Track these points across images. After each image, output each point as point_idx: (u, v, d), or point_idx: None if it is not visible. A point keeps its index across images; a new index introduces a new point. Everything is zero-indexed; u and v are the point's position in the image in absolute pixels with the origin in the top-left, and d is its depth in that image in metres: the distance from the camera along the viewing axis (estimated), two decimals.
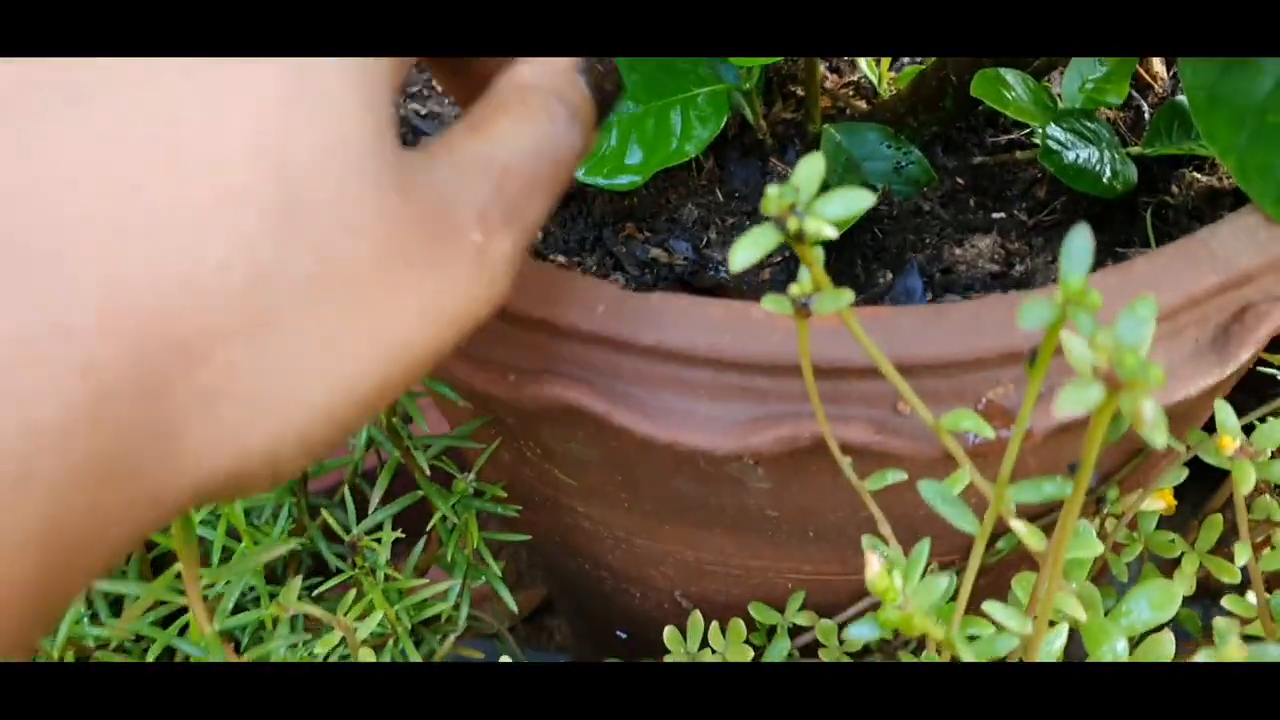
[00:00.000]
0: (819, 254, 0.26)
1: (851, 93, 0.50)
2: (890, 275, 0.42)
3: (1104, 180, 0.38)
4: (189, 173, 0.18)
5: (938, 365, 0.30)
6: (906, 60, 0.50)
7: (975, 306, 0.31)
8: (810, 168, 0.25)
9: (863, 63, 0.49)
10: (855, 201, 0.25)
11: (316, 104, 0.20)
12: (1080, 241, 0.22)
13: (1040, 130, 0.38)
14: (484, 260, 0.23)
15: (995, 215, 0.43)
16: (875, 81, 0.48)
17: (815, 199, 0.25)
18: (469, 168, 0.23)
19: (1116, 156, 0.39)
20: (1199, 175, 0.42)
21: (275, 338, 0.19)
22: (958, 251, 0.42)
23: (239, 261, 0.18)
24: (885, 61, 0.48)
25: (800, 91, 0.49)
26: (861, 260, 0.43)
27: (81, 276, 0.17)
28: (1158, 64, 0.46)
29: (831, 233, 0.25)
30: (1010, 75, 0.39)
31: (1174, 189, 0.42)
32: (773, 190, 0.25)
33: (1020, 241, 0.42)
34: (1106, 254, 0.40)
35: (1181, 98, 0.41)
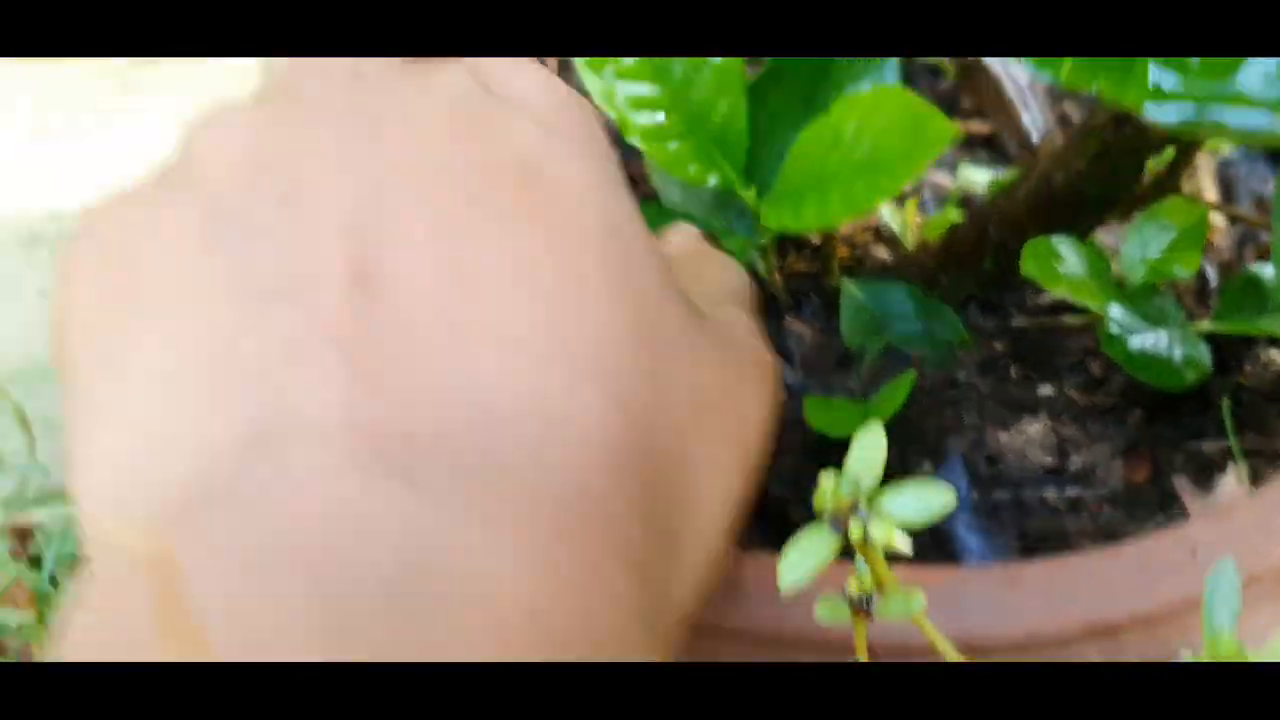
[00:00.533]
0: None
1: (872, 239, 0.45)
2: (929, 465, 0.37)
3: (1174, 369, 0.34)
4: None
5: (1013, 645, 0.25)
6: (932, 206, 0.46)
7: (1053, 570, 0.26)
8: (869, 450, 0.20)
9: (885, 209, 0.44)
10: (932, 501, 0.20)
11: (643, 280, 0.22)
12: (1226, 584, 0.18)
13: (1101, 310, 0.34)
14: (765, 359, 0.28)
15: (1043, 390, 0.39)
16: (899, 229, 0.44)
17: (880, 493, 0.20)
18: (721, 295, 0.30)
19: (1187, 339, 0.34)
20: (1277, 355, 0.37)
21: (688, 461, 0.22)
22: (1004, 437, 0.37)
23: (645, 394, 0.21)
24: (910, 207, 0.44)
25: (815, 239, 0.44)
26: (894, 446, 0.37)
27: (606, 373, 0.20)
28: (1218, 220, 0.41)
29: (904, 545, 0.20)
30: (1064, 245, 0.35)
31: (1247, 367, 0.37)
32: (827, 482, 0.20)
33: (1074, 426, 0.37)
34: (1175, 449, 0.35)
35: (1255, 266, 0.36)
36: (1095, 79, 0.19)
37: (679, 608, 0.21)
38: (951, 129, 0.31)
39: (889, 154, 0.32)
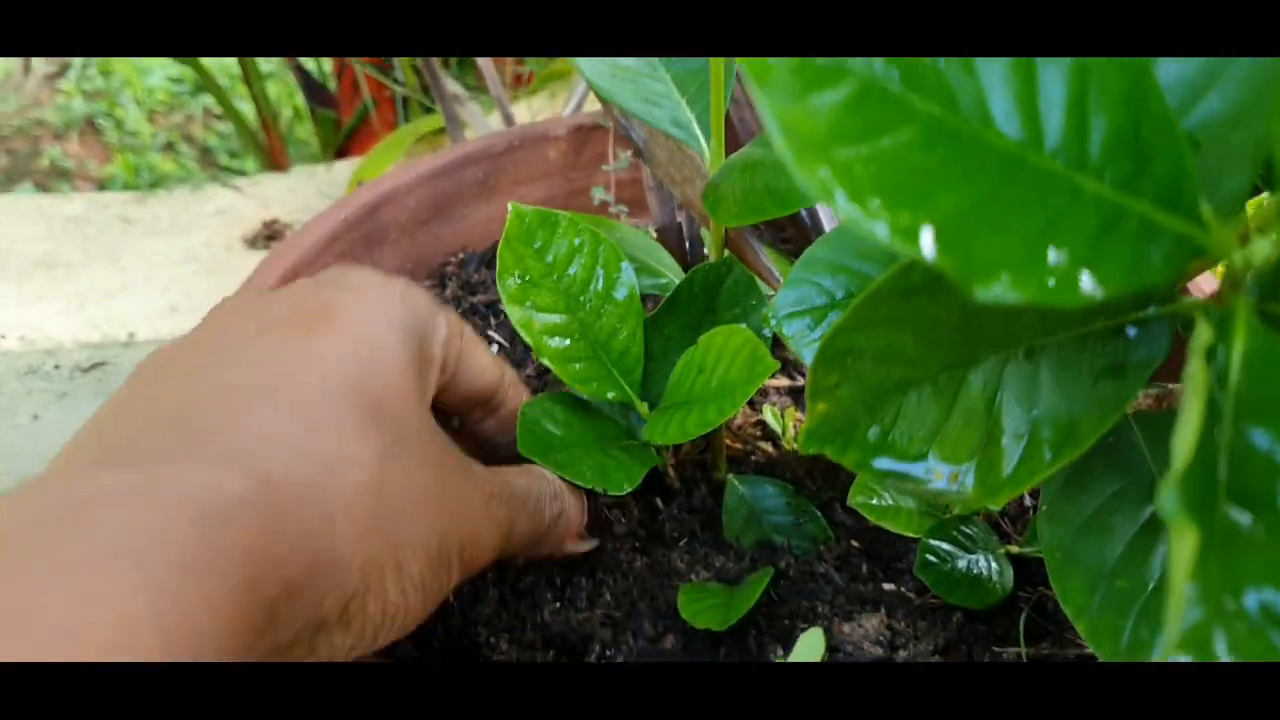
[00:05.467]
0: None
1: (759, 433, 0.52)
2: (781, 650, 0.43)
3: (981, 589, 0.40)
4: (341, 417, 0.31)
5: None
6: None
7: None
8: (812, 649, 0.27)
9: (767, 412, 0.51)
10: None
11: (391, 389, 0.33)
12: None
13: (921, 541, 0.40)
14: (490, 507, 0.36)
15: (886, 586, 0.45)
16: (779, 430, 0.50)
17: None
18: (490, 472, 0.38)
19: (995, 563, 0.41)
20: None
21: (401, 509, 0.31)
22: (846, 629, 0.43)
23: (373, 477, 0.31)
24: (790, 413, 0.50)
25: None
26: (755, 630, 0.44)
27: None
28: None
29: None
30: None
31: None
32: None
33: (906, 622, 0.43)
34: (985, 650, 0.42)
35: None
36: (824, 446, 0.26)
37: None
38: (774, 364, 0.38)
39: (734, 381, 0.39)
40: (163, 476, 0.26)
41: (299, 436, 0.29)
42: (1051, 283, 0.16)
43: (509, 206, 0.45)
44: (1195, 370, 0.17)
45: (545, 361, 0.44)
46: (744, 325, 0.44)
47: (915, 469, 0.24)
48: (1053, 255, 0.16)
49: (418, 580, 0.32)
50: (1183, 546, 0.15)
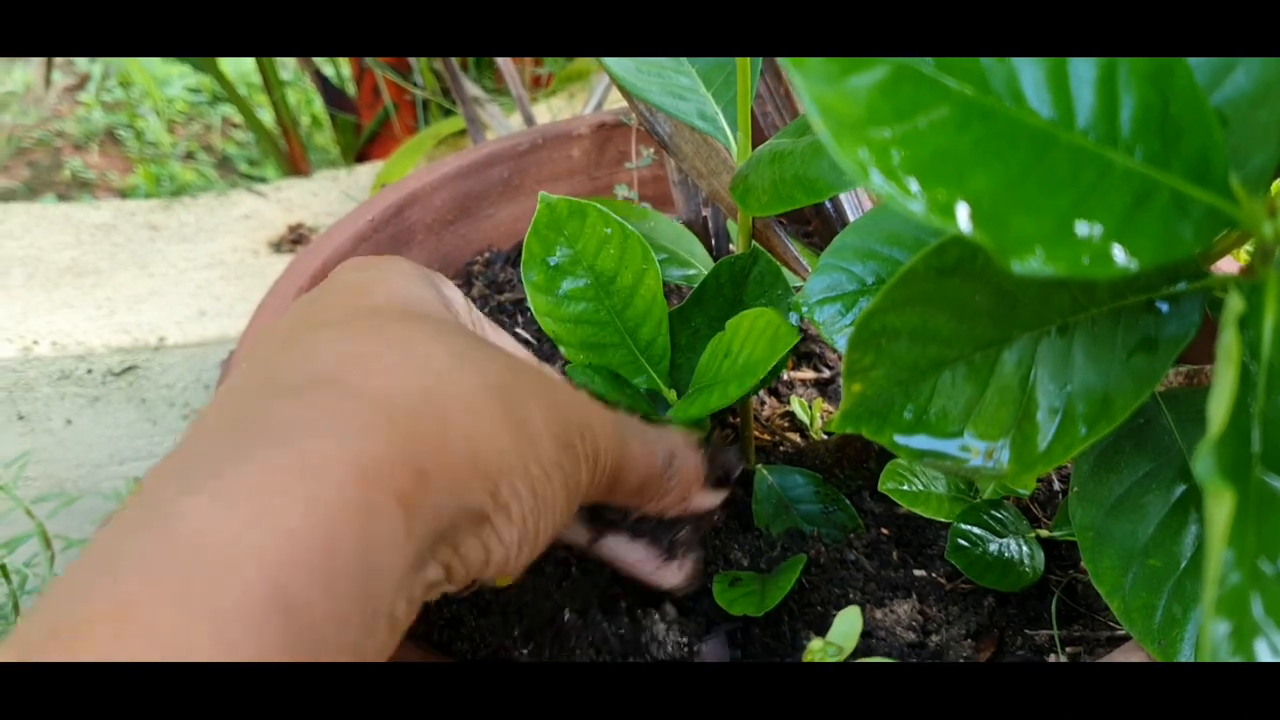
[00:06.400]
0: None
1: (787, 424, 0.52)
2: (814, 636, 0.43)
3: (1013, 572, 0.40)
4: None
5: None
6: (838, 396, 0.53)
7: None
8: (849, 625, 0.28)
9: (795, 403, 0.51)
10: None
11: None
12: None
13: (952, 525, 0.40)
14: (595, 406, 0.35)
15: (916, 573, 0.45)
16: (807, 420, 0.51)
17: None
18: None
19: (1026, 547, 0.41)
20: None
21: (511, 396, 0.31)
22: (878, 615, 0.44)
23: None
24: (818, 404, 0.51)
25: (736, 420, 0.51)
26: (788, 616, 0.44)
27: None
28: None
29: None
30: None
31: (1083, 566, 0.44)
32: (816, 645, 0.27)
33: (938, 607, 0.44)
34: (1017, 633, 0.42)
35: None
36: (859, 425, 0.26)
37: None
38: (795, 336, 0.38)
39: (756, 359, 0.40)
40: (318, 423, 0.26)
41: (397, 362, 0.30)
42: (1085, 257, 0.17)
43: (539, 196, 0.46)
44: (1229, 340, 0.17)
45: (568, 353, 0.45)
46: None
47: (951, 446, 0.25)
48: (1085, 229, 0.16)
49: (553, 458, 0.31)
50: (1220, 510, 0.15)
